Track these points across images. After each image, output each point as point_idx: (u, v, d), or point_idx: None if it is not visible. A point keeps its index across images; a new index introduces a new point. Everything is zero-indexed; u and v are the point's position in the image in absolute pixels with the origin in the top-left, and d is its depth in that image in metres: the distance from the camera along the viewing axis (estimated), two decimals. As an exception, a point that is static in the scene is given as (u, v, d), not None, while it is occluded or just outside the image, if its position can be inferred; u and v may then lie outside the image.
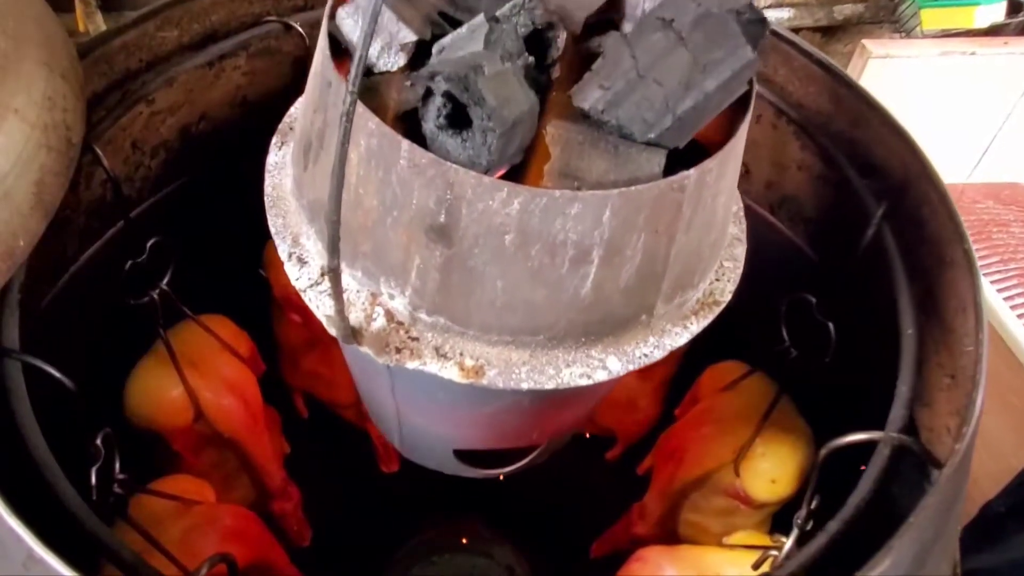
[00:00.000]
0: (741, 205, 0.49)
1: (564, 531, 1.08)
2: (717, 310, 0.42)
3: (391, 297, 0.36)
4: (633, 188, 0.31)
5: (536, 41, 0.33)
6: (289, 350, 1.00)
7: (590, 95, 0.33)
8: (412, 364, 0.35)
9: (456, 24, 0.35)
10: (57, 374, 0.46)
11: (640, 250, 0.34)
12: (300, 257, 0.41)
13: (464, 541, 1.11)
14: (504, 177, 0.33)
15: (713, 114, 0.34)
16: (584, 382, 0.36)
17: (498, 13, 0.33)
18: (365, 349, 0.36)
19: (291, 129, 0.48)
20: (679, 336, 0.39)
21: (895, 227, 0.63)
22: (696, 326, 0.41)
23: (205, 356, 0.77)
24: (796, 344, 0.69)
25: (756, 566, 0.59)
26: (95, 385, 0.75)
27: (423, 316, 0.36)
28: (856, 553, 0.46)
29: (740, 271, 0.45)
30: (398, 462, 1.09)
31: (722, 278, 0.44)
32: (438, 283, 0.34)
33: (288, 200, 0.44)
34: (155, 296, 0.69)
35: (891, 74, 0.63)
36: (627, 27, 0.38)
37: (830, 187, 0.72)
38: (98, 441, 0.53)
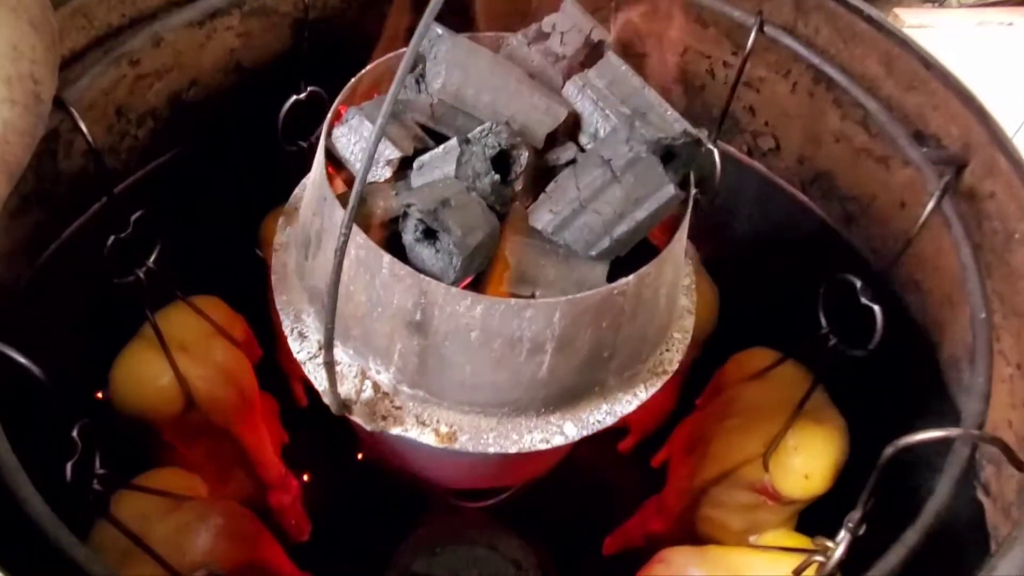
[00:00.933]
0: (693, 279, 0.54)
1: (574, 525, 1.03)
2: (665, 378, 0.47)
3: (378, 372, 0.42)
4: (579, 295, 0.38)
5: (502, 158, 0.39)
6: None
7: (542, 217, 0.40)
8: (396, 430, 0.41)
9: (436, 136, 0.42)
10: (24, 360, 0.40)
11: (588, 341, 0.40)
12: (301, 332, 0.47)
13: (469, 533, 1.07)
14: (470, 283, 0.40)
15: (646, 232, 0.41)
16: (543, 446, 0.42)
17: (470, 135, 0.39)
18: (355, 418, 0.42)
19: (295, 210, 0.53)
20: (630, 403, 0.45)
21: (956, 200, 0.58)
22: (645, 393, 0.46)
23: (197, 340, 0.72)
24: (835, 330, 0.64)
25: (798, 572, 0.54)
26: (80, 372, 0.71)
27: (405, 388, 0.42)
28: (935, 569, 0.42)
29: (689, 340, 0.50)
30: (402, 452, 1.04)
31: (671, 348, 0.48)
32: (416, 365, 0.41)
33: (291, 279, 0.49)
34: (141, 275, 0.63)
35: (925, 44, 0.58)
36: (583, 139, 0.43)
37: (873, 160, 0.67)
38: (74, 434, 0.48)
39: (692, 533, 0.88)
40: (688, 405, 0.94)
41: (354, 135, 0.42)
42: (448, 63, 0.39)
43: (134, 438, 0.73)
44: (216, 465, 0.80)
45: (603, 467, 1.10)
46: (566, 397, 0.42)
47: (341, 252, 0.34)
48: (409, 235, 0.38)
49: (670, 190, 0.37)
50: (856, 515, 0.47)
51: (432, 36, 0.41)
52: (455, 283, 0.38)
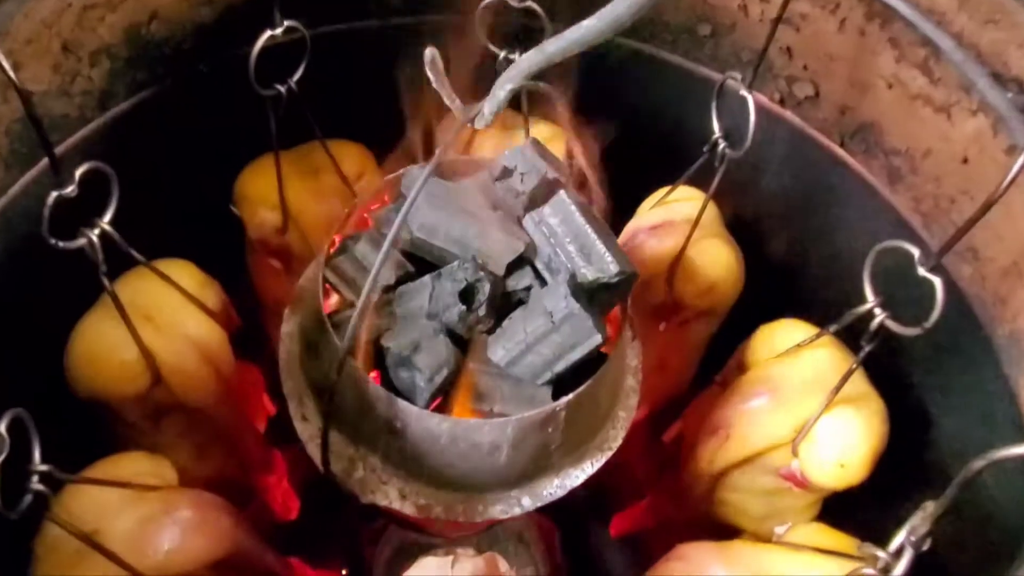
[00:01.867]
0: (640, 360, 0.58)
1: (579, 501, 0.97)
2: (609, 453, 0.52)
3: (366, 455, 0.50)
4: (525, 415, 0.47)
5: (468, 289, 0.47)
6: (270, 299, 0.87)
7: (497, 352, 0.47)
8: (382, 502, 0.49)
9: (415, 261, 0.49)
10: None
11: (537, 441, 0.48)
12: (304, 415, 0.52)
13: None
14: (440, 400, 0.48)
15: (579, 361, 0.48)
16: (504, 516, 0.50)
17: (441, 270, 0.48)
18: (349, 490, 0.50)
19: (300, 299, 0.57)
20: (578, 477, 0.52)
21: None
22: (592, 468, 0.52)
23: (164, 310, 0.65)
24: (885, 305, 0.56)
25: (841, 585, 0.47)
26: (34, 350, 0.63)
27: (391, 468, 0.50)
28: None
29: (632, 418, 0.55)
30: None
31: (616, 427, 0.54)
32: (398, 454, 0.49)
33: (295, 367, 0.54)
34: (93, 238, 0.55)
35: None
36: (538, 263, 0.49)
37: (932, 108, 0.58)
38: (1, 429, 0.41)
39: (707, 516, 0.82)
40: (705, 379, 0.87)
41: (350, 266, 0.51)
42: (426, 205, 0.47)
43: (95, 419, 0.66)
44: (191, 442, 0.74)
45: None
46: (523, 477, 0.50)
47: (337, 373, 0.43)
48: (390, 362, 0.48)
49: (597, 339, 0.46)
50: (922, 528, 0.40)
51: (411, 178, 0.49)
52: (426, 406, 0.47)
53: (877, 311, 0.56)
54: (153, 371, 0.63)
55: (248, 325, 0.80)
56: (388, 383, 0.48)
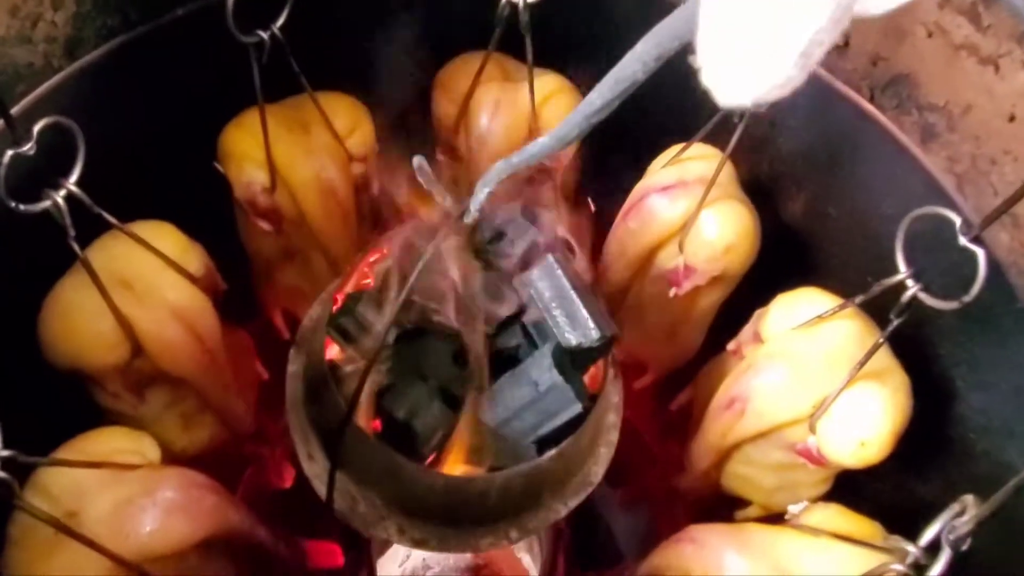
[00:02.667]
0: (621, 396, 0.60)
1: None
2: (590, 488, 0.55)
3: (368, 493, 0.53)
4: (511, 471, 0.51)
5: (461, 350, 0.52)
6: (261, 261, 0.83)
7: (487, 415, 0.51)
8: (382, 535, 0.53)
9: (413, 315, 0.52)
10: None
11: (524, 486, 0.52)
12: (310, 454, 0.54)
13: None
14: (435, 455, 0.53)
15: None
16: (493, 548, 0.54)
17: (435, 331, 0.52)
18: (353, 525, 0.53)
19: (303, 340, 0.58)
20: (561, 511, 0.54)
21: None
22: (574, 501, 0.55)
23: (143, 276, 0.60)
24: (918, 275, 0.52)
25: (867, 581, 0.44)
26: (4, 321, 0.60)
27: (390, 506, 0.53)
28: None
29: (612, 453, 0.57)
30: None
31: (598, 462, 0.56)
32: (396, 497, 0.53)
33: (300, 406, 0.56)
34: (59, 200, 0.51)
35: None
36: (527, 320, 0.52)
37: (977, 59, 0.53)
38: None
39: (715, 486, 0.79)
40: (714, 345, 0.84)
41: (353, 326, 0.52)
42: (427, 269, 0.48)
43: (75, 391, 0.63)
44: (178, 413, 0.70)
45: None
46: (510, 513, 0.53)
47: (340, 434, 0.48)
48: (390, 423, 0.51)
49: (578, 408, 0.50)
50: (964, 528, 0.37)
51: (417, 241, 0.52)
52: (422, 463, 0.51)
53: (910, 283, 0.52)
54: (132, 341, 0.59)
55: (238, 287, 0.76)
56: (388, 430, 0.52)
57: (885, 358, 0.61)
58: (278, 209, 0.72)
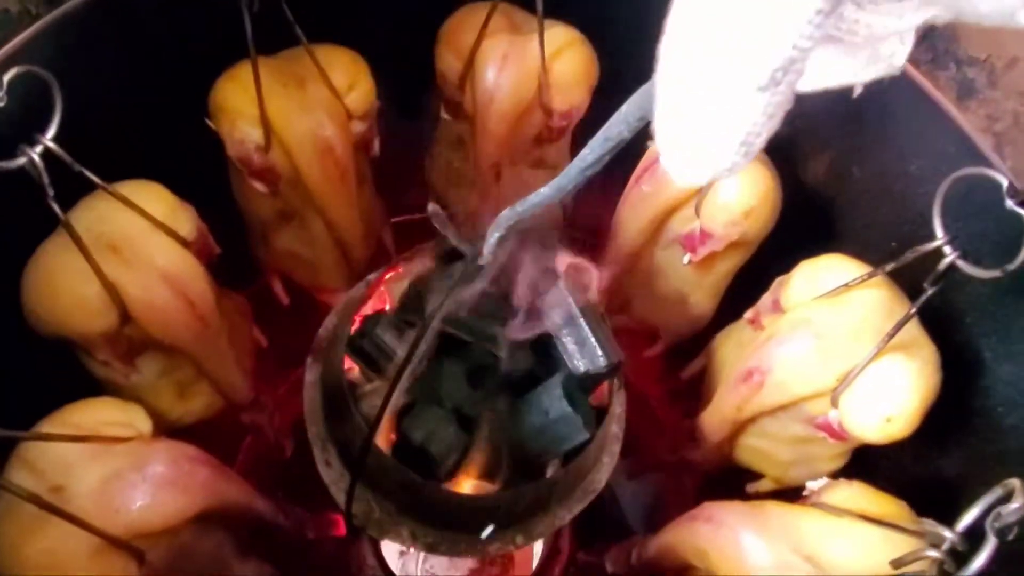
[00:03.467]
0: (623, 407, 0.60)
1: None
2: (593, 495, 0.56)
3: (383, 501, 0.55)
4: (518, 489, 0.54)
5: (475, 371, 0.55)
6: (256, 224, 0.79)
7: (501, 439, 0.54)
8: (395, 541, 0.54)
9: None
10: None
11: (531, 499, 0.55)
12: (327, 461, 0.55)
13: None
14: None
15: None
16: (501, 552, 0.56)
17: (451, 355, 0.55)
18: (368, 532, 0.54)
19: (319, 350, 0.58)
20: (566, 517, 0.56)
21: None
22: (578, 507, 0.56)
23: (130, 239, 0.57)
24: (956, 242, 0.48)
25: (899, 565, 0.41)
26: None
27: (404, 513, 0.54)
28: None
29: (615, 463, 0.58)
30: (396, 359, 0.92)
31: (601, 471, 0.57)
32: (411, 506, 0.54)
33: (319, 415, 0.56)
34: (35, 156, 0.47)
35: None
36: (539, 349, 0.55)
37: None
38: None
39: (727, 458, 0.77)
40: (728, 314, 0.81)
41: (370, 347, 0.53)
42: (453, 298, 0.50)
43: (65, 359, 0.60)
44: (173, 381, 0.68)
45: (626, 375, 0.98)
46: (518, 521, 0.55)
47: (363, 454, 0.49)
48: (405, 445, 0.53)
49: (585, 436, 0.52)
50: (1013, 515, 0.34)
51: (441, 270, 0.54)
52: (437, 481, 0.53)
53: (947, 249, 0.49)
54: (120, 307, 0.57)
55: (233, 251, 0.73)
56: (405, 451, 0.53)
57: (913, 329, 0.57)
58: (273, 168, 0.68)
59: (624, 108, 0.33)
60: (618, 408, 0.58)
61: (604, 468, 0.56)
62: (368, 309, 0.57)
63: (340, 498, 0.52)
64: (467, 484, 0.53)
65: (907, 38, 0.26)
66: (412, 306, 0.53)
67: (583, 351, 0.52)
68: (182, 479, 0.51)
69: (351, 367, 0.55)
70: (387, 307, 0.56)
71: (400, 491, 0.52)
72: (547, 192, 0.43)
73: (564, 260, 0.55)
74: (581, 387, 0.54)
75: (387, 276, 0.58)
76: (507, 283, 0.52)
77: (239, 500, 0.59)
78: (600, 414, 0.56)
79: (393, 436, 0.53)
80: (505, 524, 0.53)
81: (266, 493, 0.67)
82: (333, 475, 0.53)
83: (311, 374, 0.57)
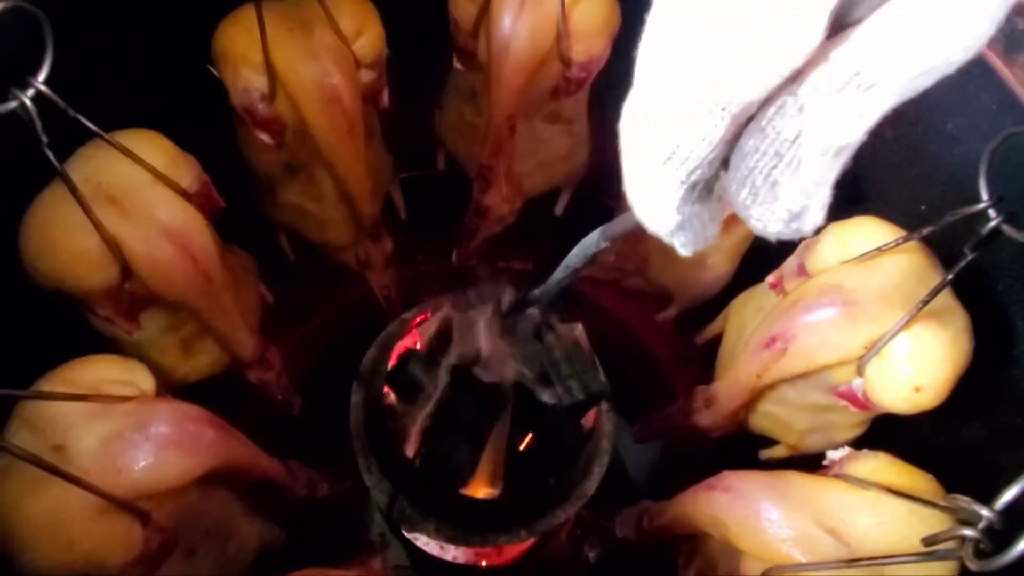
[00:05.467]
0: (614, 424, 0.66)
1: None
2: (586, 499, 0.63)
3: (414, 500, 0.63)
4: (525, 495, 0.65)
5: (484, 400, 0.63)
6: (263, 177, 0.77)
7: (509, 457, 0.65)
8: (423, 533, 0.62)
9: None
10: None
11: (534, 502, 0.65)
12: (369, 468, 0.63)
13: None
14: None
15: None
16: (508, 544, 0.66)
17: (465, 386, 0.63)
18: (402, 525, 0.63)
19: (365, 378, 0.67)
20: (562, 517, 0.63)
21: None
22: (572, 509, 0.63)
23: (130, 191, 0.55)
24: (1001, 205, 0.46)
25: (930, 543, 0.40)
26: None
27: (428, 513, 0.62)
28: None
29: (604, 471, 0.64)
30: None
31: (592, 478, 0.64)
32: (432, 506, 0.63)
33: (362, 431, 0.64)
34: (26, 100, 0.45)
35: None
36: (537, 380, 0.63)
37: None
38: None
39: (742, 425, 0.75)
40: (745, 278, 0.78)
41: (405, 381, 0.63)
42: (459, 339, 0.62)
43: (66, 314, 0.58)
44: (176, 341, 0.66)
45: (637, 337, 0.97)
46: (520, 519, 0.62)
47: (390, 513, 0.62)
48: (432, 458, 0.64)
49: (572, 453, 0.66)
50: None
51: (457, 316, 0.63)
52: (456, 489, 0.63)
53: (992, 213, 0.46)
54: (121, 261, 0.54)
55: (239, 205, 0.70)
56: (431, 465, 0.63)
57: (945, 296, 0.55)
58: (279, 119, 0.65)
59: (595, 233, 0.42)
60: (608, 427, 0.66)
61: (594, 476, 0.63)
62: (403, 347, 0.69)
63: (380, 499, 0.62)
64: (479, 490, 0.64)
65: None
66: (438, 347, 0.64)
67: (574, 384, 0.63)
68: (186, 440, 0.50)
69: (389, 394, 0.66)
70: (418, 345, 0.65)
71: (426, 494, 0.62)
72: (563, 270, 0.48)
73: (556, 318, 0.65)
74: (572, 412, 0.65)
75: (419, 319, 0.69)
76: (511, 334, 0.63)
77: (246, 461, 0.58)
78: (589, 431, 0.66)
79: (422, 450, 0.64)
80: (512, 523, 0.62)
81: (274, 453, 0.66)
82: (373, 480, 0.62)
83: (356, 396, 0.65)
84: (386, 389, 0.67)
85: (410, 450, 0.63)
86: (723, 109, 0.25)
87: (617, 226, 0.43)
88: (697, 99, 0.25)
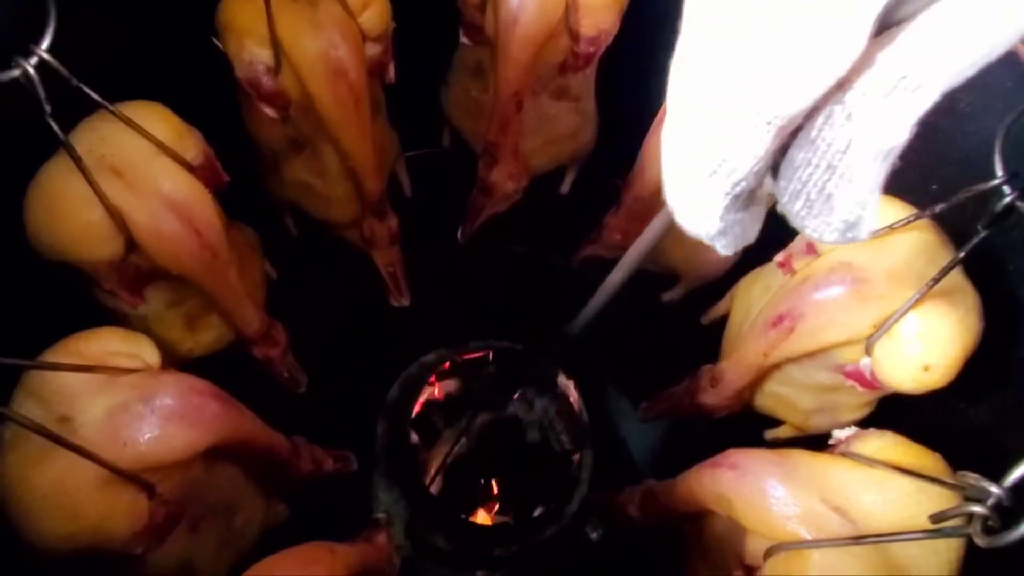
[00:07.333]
0: (592, 456, 0.83)
1: (603, 381, 0.91)
2: (567, 519, 0.78)
3: (429, 522, 0.76)
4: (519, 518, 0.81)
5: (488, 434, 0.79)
6: (268, 152, 0.76)
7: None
8: (437, 543, 0.74)
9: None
10: None
11: (524, 527, 0.80)
12: (389, 486, 0.75)
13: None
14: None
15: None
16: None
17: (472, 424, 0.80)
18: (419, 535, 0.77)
19: (389, 416, 0.81)
20: (549, 534, 0.77)
21: None
22: (556, 528, 0.77)
23: (134, 163, 0.54)
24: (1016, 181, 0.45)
25: (938, 519, 0.40)
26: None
27: (442, 530, 0.74)
28: None
29: (583, 496, 0.80)
30: (409, 295, 0.89)
31: (573, 503, 0.79)
32: (450, 530, 0.77)
33: (387, 457, 0.77)
34: (29, 68, 0.44)
35: None
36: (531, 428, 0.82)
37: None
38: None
39: (745, 406, 0.75)
40: (752, 258, 0.78)
41: (427, 428, 0.78)
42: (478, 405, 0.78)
43: (70, 287, 0.58)
44: (181, 315, 0.66)
45: (641, 319, 0.96)
46: (516, 536, 0.75)
47: (421, 500, 0.76)
48: (447, 489, 0.78)
49: (561, 488, 0.81)
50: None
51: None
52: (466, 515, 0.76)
53: (1007, 189, 0.45)
54: (125, 234, 0.54)
55: (243, 180, 0.70)
56: (446, 495, 0.76)
57: (955, 275, 0.54)
58: (283, 92, 0.65)
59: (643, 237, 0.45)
60: (588, 459, 0.82)
61: (575, 501, 0.78)
62: (427, 395, 0.82)
63: (401, 515, 0.73)
64: (484, 516, 0.75)
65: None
66: (456, 399, 0.77)
67: (565, 438, 0.80)
68: (191, 413, 0.50)
69: (413, 434, 0.78)
70: (437, 393, 0.79)
71: (441, 517, 0.73)
72: (602, 292, 0.54)
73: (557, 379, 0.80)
74: (562, 453, 0.81)
75: (438, 368, 0.82)
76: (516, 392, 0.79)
77: (251, 435, 0.58)
78: (576, 467, 0.81)
79: (440, 482, 0.76)
80: (510, 538, 0.75)
81: (279, 429, 0.66)
82: (393, 497, 0.73)
83: (381, 427, 0.78)
84: (411, 431, 0.80)
85: (428, 478, 0.76)
86: (768, 123, 0.25)
87: (647, 243, 0.46)
88: (742, 113, 0.25)
